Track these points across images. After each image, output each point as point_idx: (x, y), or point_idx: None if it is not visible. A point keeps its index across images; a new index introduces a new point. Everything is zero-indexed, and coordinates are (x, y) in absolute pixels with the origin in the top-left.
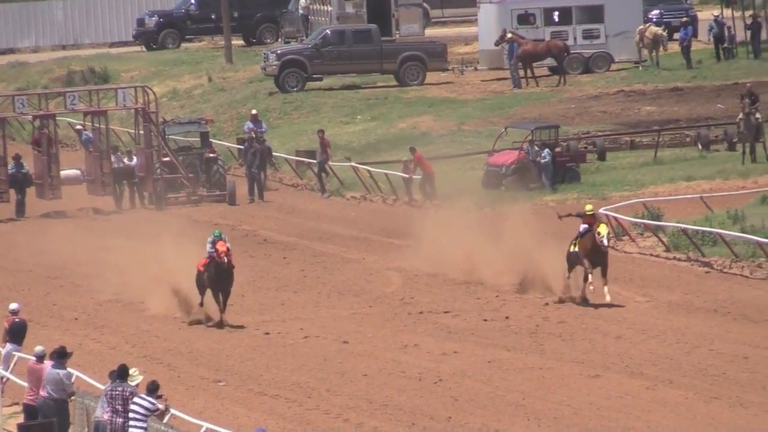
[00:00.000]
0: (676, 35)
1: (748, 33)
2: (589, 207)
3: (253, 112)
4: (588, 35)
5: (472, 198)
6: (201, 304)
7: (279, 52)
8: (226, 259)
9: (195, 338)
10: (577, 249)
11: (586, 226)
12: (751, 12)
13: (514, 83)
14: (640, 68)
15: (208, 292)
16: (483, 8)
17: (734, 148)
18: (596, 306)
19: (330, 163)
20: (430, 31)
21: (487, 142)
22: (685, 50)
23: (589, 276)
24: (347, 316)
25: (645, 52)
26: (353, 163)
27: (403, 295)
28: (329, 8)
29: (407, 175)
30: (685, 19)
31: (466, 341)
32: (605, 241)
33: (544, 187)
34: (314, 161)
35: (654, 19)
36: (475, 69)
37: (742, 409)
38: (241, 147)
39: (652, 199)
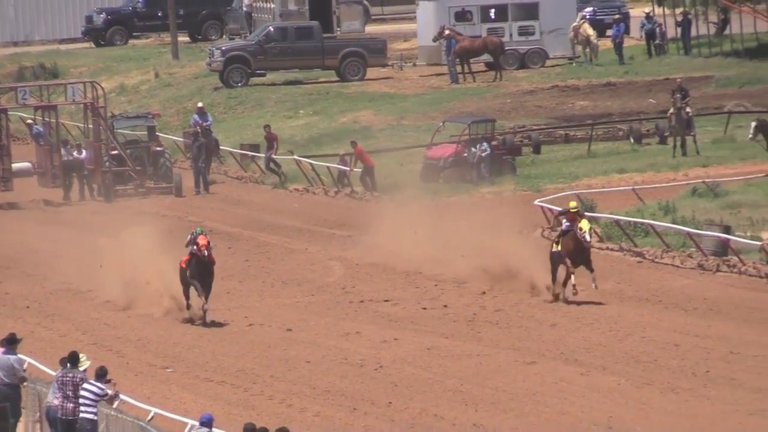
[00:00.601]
0: (609, 32)
1: (679, 30)
2: (573, 204)
3: (200, 105)
4: (523, 32)
5: (411, 190)
6: (188, 307)
7: (223, 48)
8: (206, 253)
9: (143, 326)
10: (559, 248)
11: (568, 223)
12: (681, 9)
13: (451, 78)
14: (574, 64)
15: (193, 292)
16: (421, 5)
17: (665, 142)
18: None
19: (273, 156)
20: (370, 28)
21: (426, 135)
22: (618, 46)
23: (572, 276)
24: (291, 305)
25: (579, 48)
26: (296, 156)
27: (345, 285)
28: (272, 5)
29: (344, 167)
30: (617, 16)
31: (406, 329)
32: (587, 237)
33: (482, 180)
34: (258, 154)
35: (587, 17)
36: (414, 65)
37: (673, 395)
38: (188, 141)
39: (585, 191)
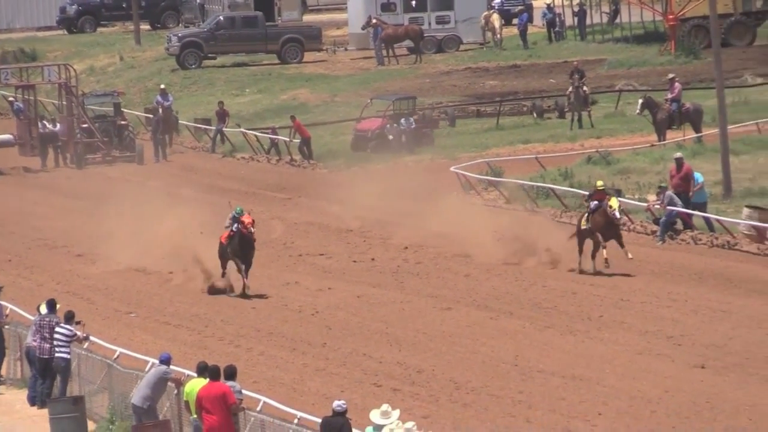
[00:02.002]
0: (515, 21)
1: (576, 19)
2: (600, 183)
3: (162, 86)
4: (440, 21)
5: (343, 159)
6: (223, 275)
7: (180, 35)
8: (252, 230)
9: (110, 277)
10: (589, 225)
11: (596, 202)
12: (578, 1)
13: (378, 61)
14: (485, 49)
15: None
16: None
17: (564, 116)
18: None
19: (224, 129)
20: (307, 17)
21: (355, 111)
22: (523, 33)
23: (604, 251)
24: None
25: (489, 35)
26: (243, 129)
27: (285, 241)
28: None
29: (275, 137)
30: (521, 6)
31: (339, 279)
32: (617, 214)
33: (404, 149)
34: (210, 127)
35: (496, 8)
36: (345, 49)
37: (570, 336)
38: (149, 115)
39: (494, 159)
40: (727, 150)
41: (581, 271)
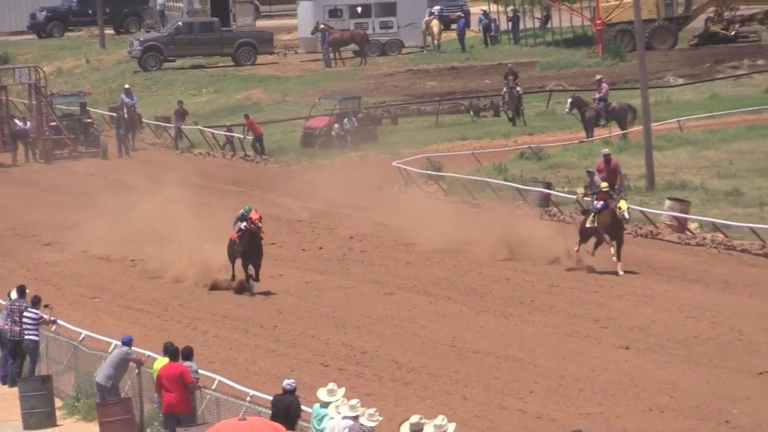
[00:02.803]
0: (453, 26)
1: (510, 24)
2: (604, 184)
3: (126, 86)
4: (384, 26)
5: (293, 154)
6: (233, 279)
7: (141, 39)
8: (260, 226)
9: (75, 264)
10: (595, 224)
11: (602, 202)
12: (512, 7)
13: (325, 64)
14: (425, 52)
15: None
16: (301, 4)
17: (499, 115)
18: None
19: (183, 127)
20: (260, 23)
21: (305, 110)
22: (460, 37)
23: (612, 249)
24: (193, 249)
25: (429, 39)
26: (200, 127)
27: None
28: (181, 4)
29: (230, 134)
30: (460, 12)
31: (288, 266)
32: (626, 215)
33: (350, 145)
34: (169, 125)
35: (436, 14)
36: (296, 52)
37: (504, 319)
38: (113, 114)
39: (434, 154)
40: (651, 146)
41: (578, 262)
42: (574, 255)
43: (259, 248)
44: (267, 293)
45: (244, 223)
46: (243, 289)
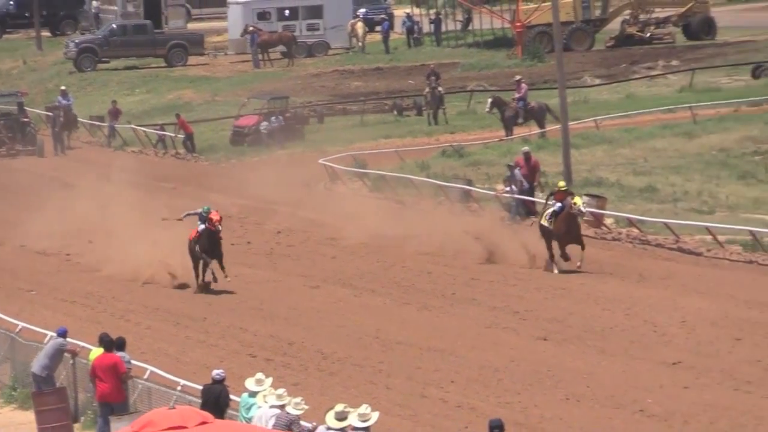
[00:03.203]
0: (378, 28)
1: (432, 26)
2: (561, 183)
3: (63, 88)
4: (311, 28)
5: (223, 152)
6: (197, 276)
7: (77, 41)
8: (219, 228)
9: (14, 258)
10: (550, 226)
11: (559, 204)
12: (434, 10)
13: (254, 64)
14: (350, 53)
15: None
16: (231, 7)
17: (421, 114)
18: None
19: (116, 126)
20: (191, 25)
21: (234, 109)
22: (385, 39)
23: (581, 254)
24: (129, 242)
25: (354, 40)
26: (133, 125)
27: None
28: (115, 8)
29: (162, 133)
30: (385, 15)
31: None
32: (582, 209)
33: (277, 144)
34: (103, 124)
35: (361, 16)
36: (225, 54)
37: (426, 311)
38: (49, 113)
39: (359, 152)
40: (568, 144)
41: (558, 270)
42: (549, 261)
43: (218, 248)
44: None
45: (203, 225)
46: (205, 289)
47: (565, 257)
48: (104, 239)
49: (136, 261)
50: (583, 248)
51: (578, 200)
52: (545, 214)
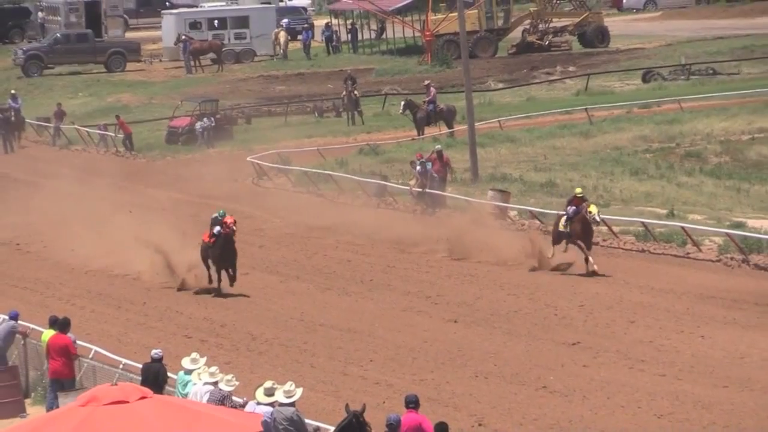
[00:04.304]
0: (300, 37)
1: (349, 35)
2: (578, 190)
3: (12, 91)
4: (238, 36)
5: (158, 150)
6: (210, 282)
7: (24, 48)
8: (234, 230)
9: None
10: (568, 230)
11: (574, 207)
12: (351, 20)
13: (187, 70)
14: (274, 60)
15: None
16: (165, 18)
17: (340, 115)
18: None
19: (61, 126)
20: (129, 34)
21: (169, 111)
22: (306, 47)
23: (589, 257)
24: (74, 233)
25: (277, 48)
26: (77, 126)
27: (110, 217)
28: (59, 18)
29: (104, 132)
30: (306, 25)
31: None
32: (597, 218)
33: (208, 143)
34: (49, 125)
35: (284, 26)
36: (160, 60)
37: (347, 296)
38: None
39: (283, 150)
40: (475, 143)
41: (556, 266)
42: (549, 260)
43: (233, 251)
44: (137, 278)
45: (218, 228)
46: (219, 293)
47: (586, 260)
48: (55, 230)
49: (126, 254)
50: (590, 249)
51: (593, 208)
52: (561, 221)
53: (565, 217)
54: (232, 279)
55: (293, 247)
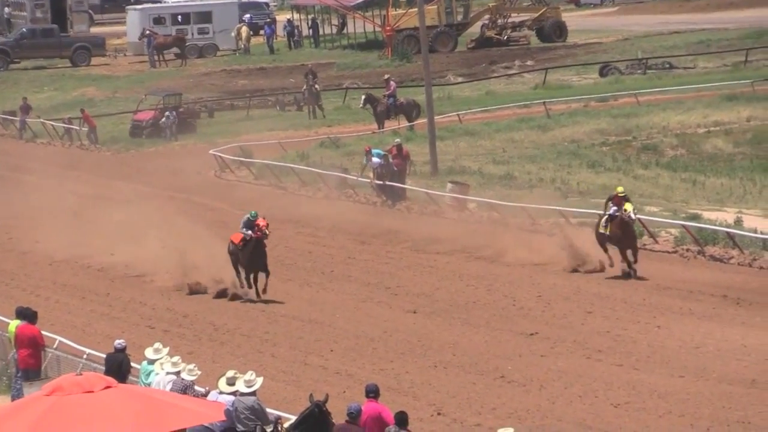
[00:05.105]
0: (262, 32)
1: (311, 30)
2: (620, 189)
3: None
4: (201, 31)
5: (123, 143)
6: (242, 285)
7: None
8: (268, 233)
9: None
10: (607, 232)
11: (615, 207)
12: (312, 15)
13: (151, 65)
14: (237, 54)
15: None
16: (129, 13)
17: (301, 109)
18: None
19: (27, 120)
20: (94, 29)
21: (133, 105)
22: (268, 42)
23: (631, 262)
24: (36, 225)
25: (240, 43)
26: (42, 119)
27: (76, 209)
28: (25, 13)
29: (69, 126)
30: (268, 20)
31: (121, 241)
32: (632, 215)
33: (170, 136)
34: (15, 118)
35: (246, 21)
36: (125, 55)
37: (308, 287)
38: None
39: (245, 143)
40: (434, 136)
41: (620, 271)
42: (608, 262)
43: (264, 255)
44: (102, 268)
45: (250, 232)
46: (243, 296)
47: (628, 264)
48: (20, 222)
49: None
50: (635, 260)
51: (628, 206)
52: (601, 221)
53: (604, 218)
54: (264, 285)
55: None
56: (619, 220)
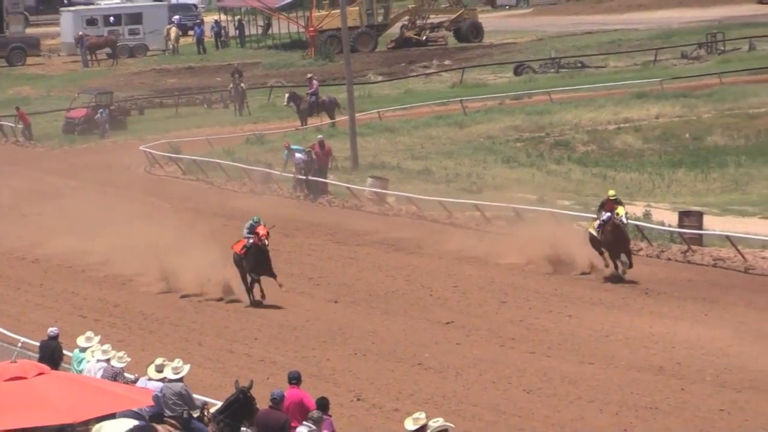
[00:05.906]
0: (191, 32)
1: (237, 31)
2: (612, 192)
3: None
4: (132, 32)
5: (56, 140)
6: (248, 290)
7: None
8: (267, 242)
9: None
10: (600, 237)
11: (608, 214)
12: (238, 17)
13: (84, 64)
14: (166, 54)
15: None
16: (63, 15)
17: (228, 107)
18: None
19: None
20: (29, 30)
21: (66, 103)
22: (197, 42)
23: (620, 265)
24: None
25: (170, 43)
26: None
27: (12, 204)
28: None
29: (8, 124)
30: (198, 21)
31: (53, 234)
32: (624, 219)
33: (104, 133)
34: None
35: (175, 22)
36: (59, 55)
37: (233, 278)
38: None
39: (174, 140)
40: (355, 133)
41: (611, 274)
42: (610, 266)
43: (268, 260)
44: (36, 260)
45: (252, 239)
46: (258, 305)
47: (615, 266)
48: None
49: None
50: (630, 265)
51: (621, 210)
52: (594, 224)
53: (597, 223)
54: (276, 279)
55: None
56: (611, 224)
